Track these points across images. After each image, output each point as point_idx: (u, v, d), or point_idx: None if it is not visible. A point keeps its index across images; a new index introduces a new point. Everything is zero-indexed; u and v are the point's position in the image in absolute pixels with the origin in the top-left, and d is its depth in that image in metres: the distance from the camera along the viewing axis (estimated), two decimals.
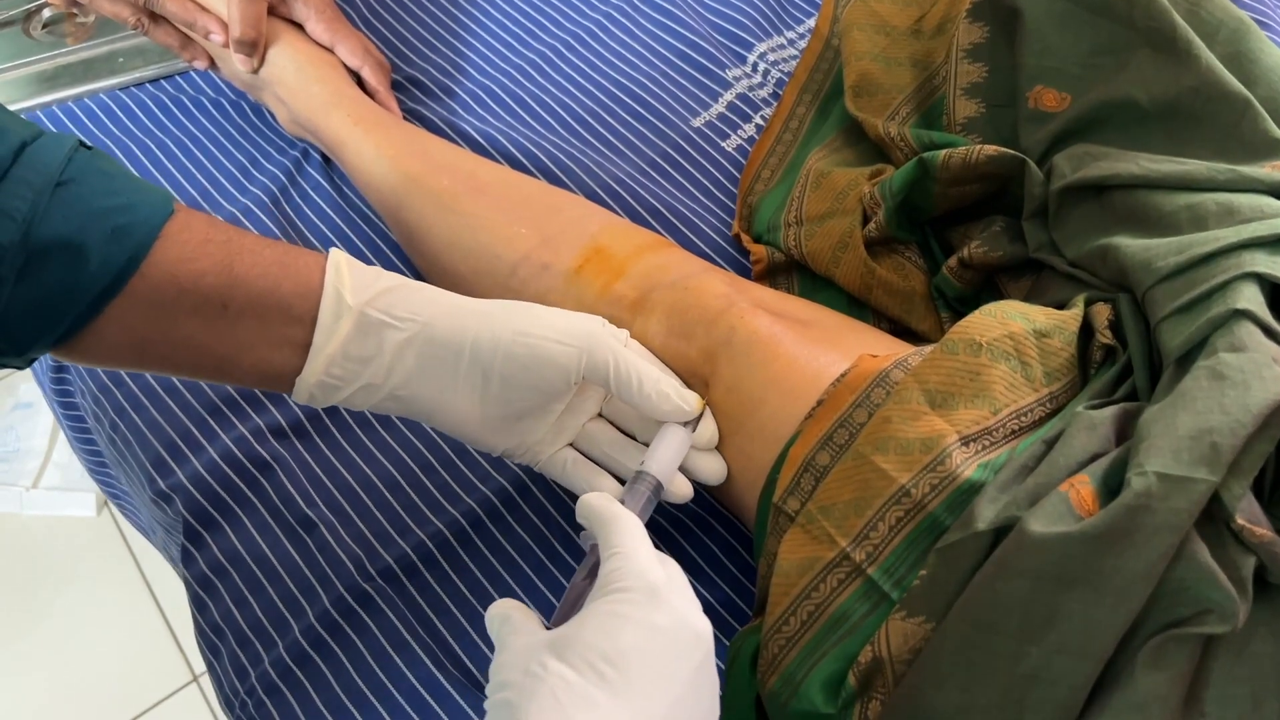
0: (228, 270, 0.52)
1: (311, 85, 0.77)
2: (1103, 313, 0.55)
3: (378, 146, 0.73)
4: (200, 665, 1.36)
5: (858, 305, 0.68)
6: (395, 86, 0.83)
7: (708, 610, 0.60)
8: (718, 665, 0.58)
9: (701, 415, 0.56)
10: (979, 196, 0.65)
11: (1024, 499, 0.46)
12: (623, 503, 0.51)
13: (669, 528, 0.63)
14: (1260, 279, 0.49)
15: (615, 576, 0.45)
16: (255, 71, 0.78)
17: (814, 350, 0.56)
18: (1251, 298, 0.48)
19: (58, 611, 1.42)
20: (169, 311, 0.51)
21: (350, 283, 0.53)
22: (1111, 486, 0.45)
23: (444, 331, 0.54)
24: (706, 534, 0.63)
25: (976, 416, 0.50)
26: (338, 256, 0.54)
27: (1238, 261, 0.50)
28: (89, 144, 0.52)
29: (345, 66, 0.80)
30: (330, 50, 0.80)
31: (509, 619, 0.47)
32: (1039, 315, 0.54)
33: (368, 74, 0.80)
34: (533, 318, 0.55)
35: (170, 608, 1.41)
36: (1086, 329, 0.55)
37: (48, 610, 1.42)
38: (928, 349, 0.53)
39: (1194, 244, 0.52)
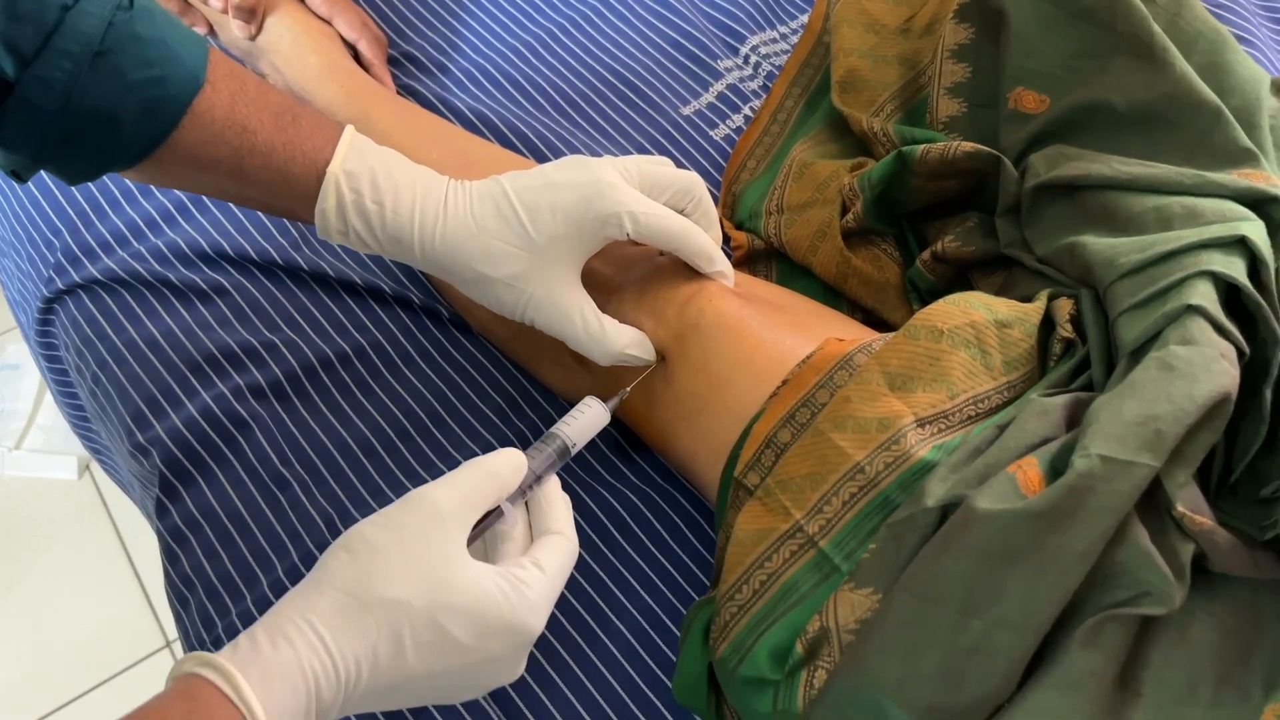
0: (238, 166, 0.56)
1: (307, 55, 0.78)
2: (1065, 307, 0.56)
3: (370, 118, 0.74)
4: (174, 631, 1.37)
5: (833, 294, 0.69)
6: (391, 61, 0.84)
7: (669, 581, 0.62)
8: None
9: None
10: (956, 192, 0.66)
11: (973, 478, 0.47)
12: (530, 459, 0.53)
13: (635, 500, 0.64)
14: (1215, 277, 0.51)
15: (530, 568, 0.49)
16: (253, 38, 0.79)
17: (781, 333, 0.57)
18: (1205, 294, 0.50)
19: (35, 574, 1.43)
20: (187, 171, 0.56)
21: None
22: (1058, 469, 0.46)
23: None
24: (672, 507, 0.64)
25: (934, 400, 0.51)
26: (338, 170, 0.56)
27: (1195, 260, 0.51)
28: None
29: (342, 39, 0.81)
30: (328, 22, 0.81)
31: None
32: (1002, 306, 0.55)
33: (364, 47, 0.81)
34: None
35: (146, 573, 1.42)
36: (1048, 322, 0.56)
37: (25, 573, 1.43)
38: (892, 335, 0.55)
39: (1156, 243, 0.53)
